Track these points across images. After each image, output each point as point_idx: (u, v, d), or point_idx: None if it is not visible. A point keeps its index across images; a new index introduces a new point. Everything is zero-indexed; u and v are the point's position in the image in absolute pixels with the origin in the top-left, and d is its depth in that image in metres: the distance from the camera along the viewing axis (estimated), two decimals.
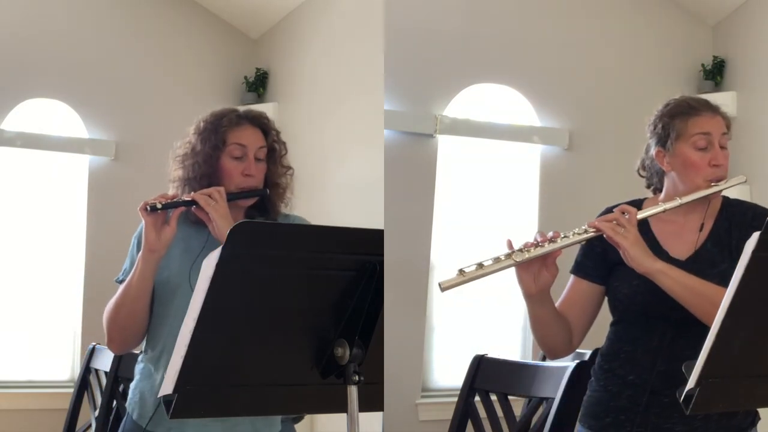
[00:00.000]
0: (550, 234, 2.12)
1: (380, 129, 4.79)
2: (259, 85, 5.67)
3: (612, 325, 2.31)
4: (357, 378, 1.65)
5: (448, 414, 2.84)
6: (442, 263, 5.00)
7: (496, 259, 2.08)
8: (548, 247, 2.10)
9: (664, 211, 2.18)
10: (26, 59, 5.20)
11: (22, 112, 5.20)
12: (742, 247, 2.12)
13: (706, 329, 2.03)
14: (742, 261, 1.51)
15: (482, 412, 2.78)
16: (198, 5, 5.66)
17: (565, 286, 2.33)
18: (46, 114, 5.27)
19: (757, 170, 5.35)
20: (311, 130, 5.28)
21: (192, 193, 2.25)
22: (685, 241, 2.22)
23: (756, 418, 2.20)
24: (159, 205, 2.19)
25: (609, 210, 2.23)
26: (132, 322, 2.27)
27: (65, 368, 5.17)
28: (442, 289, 1.97)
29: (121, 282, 2.30)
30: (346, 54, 5.17)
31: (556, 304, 2.25)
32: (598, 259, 2.26)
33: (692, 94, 2.30)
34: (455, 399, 2.82)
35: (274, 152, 2.37)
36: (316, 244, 1.64)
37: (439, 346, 5.12)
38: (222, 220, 2.20)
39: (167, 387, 1.54)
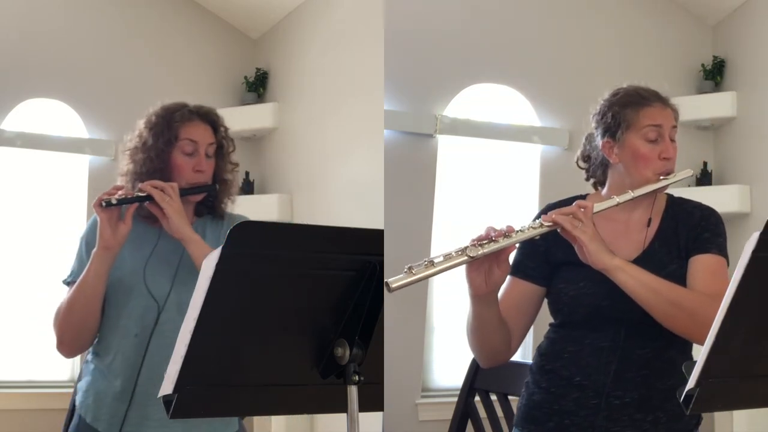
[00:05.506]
0: (503, 228, 1.99)
1: (380, 129, 4.78)
2: (259, 85, 5.66)
3: (552, 325, 2.22)
4: (357, 378, 1.65)
5: (448, 414, 2.84)
6: None
7: (448, 256, 1.94)
8: (503, 242, 1.96)
9: (618, 204, 2.09)
10: (26, 59, 5.20)
11: (22, 112, 5.20)
12: (690, 248, 2.11)
13: (657, 329, 2.01)
14: (742, 261, 1.50)
15: (482, 412, 2.79)
16: (198, 5, 5.66)
17: None
18: (46, 114, 5.27)
19: (757, 170, 5.35)
20: (311, 130, 5.27)
21: (145, 184, 2.22)
22: (631, 240, 2.14)
23: (699, 419, 2.13)
24: (114, 201, 2.17)
25: (550, 207, 2.14)
26: (85, 324, 2.23)
27: (65, 368, 5.16)
28: (391, 290, 1.83)
29: (69, 284, 2.28)
30: (346, 54, 5.17)
31: None
32: (540, 260, 2.17)
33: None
34: (455, 399, 2.82)
35: (222, 148, 2.38)
36: (316, 244, 1.64)
37: (439, 346, 5.11)
38: (176, 216, 2.19)
39: (167, 387, 1.54)
